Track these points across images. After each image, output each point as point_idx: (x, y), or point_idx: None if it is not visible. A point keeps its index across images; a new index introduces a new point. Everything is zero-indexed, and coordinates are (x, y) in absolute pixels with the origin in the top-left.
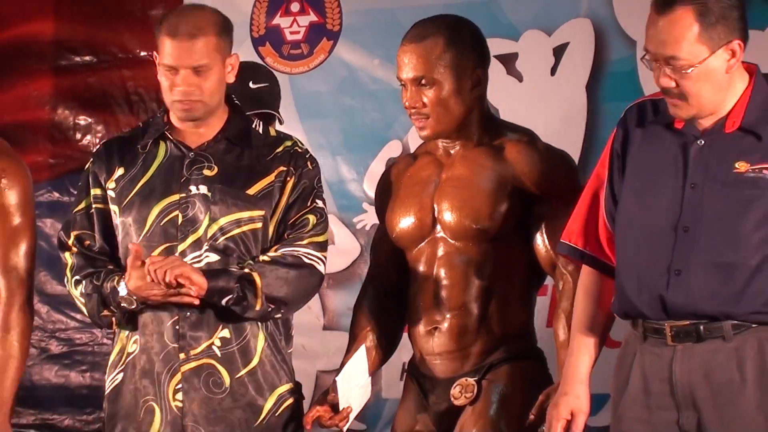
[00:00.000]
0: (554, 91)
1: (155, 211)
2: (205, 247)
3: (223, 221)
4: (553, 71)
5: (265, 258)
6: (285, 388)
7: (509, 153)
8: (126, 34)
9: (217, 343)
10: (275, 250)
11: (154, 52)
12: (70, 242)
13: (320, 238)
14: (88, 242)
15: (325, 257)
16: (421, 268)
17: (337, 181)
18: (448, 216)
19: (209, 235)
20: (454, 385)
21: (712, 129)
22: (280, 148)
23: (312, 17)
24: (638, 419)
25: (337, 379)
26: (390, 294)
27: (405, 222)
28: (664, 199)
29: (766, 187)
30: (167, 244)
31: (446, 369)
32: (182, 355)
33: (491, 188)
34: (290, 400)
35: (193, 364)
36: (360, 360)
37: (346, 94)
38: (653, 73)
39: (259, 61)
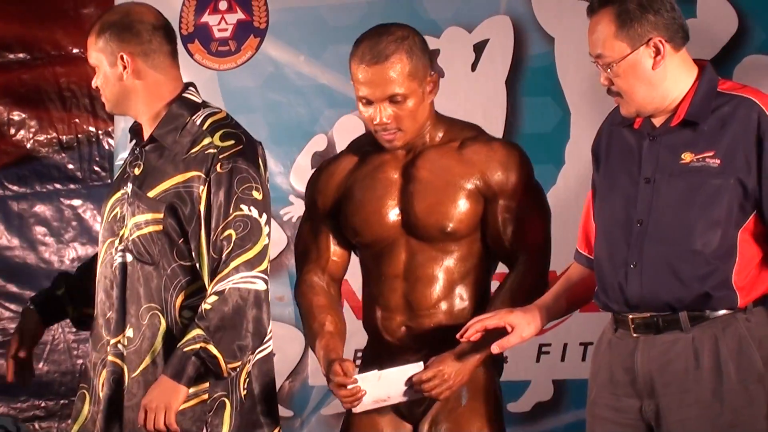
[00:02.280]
0: (475, 87)
1: (108, 206)
2: (122, 246)
3: (131, 222)
4: (473, 67)
5: (207, 307)
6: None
7: (469, 153)
8: (59, 32)
9: (123, 341)
10: (215, 289)
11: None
12: None
13: (249, 255)
14: None
15: (262, 270)
16: (386, 267)
17: None
18: (417, 219)
19: (125, 235)
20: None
21: (661, 125)
22: (197, 148)
23: (239, 15)
24: (607, 405)
25: (381, 373)
26: (331, 288)
27: (369, 223)
28: (622, 194)
29: (709, 175)
30: (111, 239)
31: (412, 358)
32: (108, 348)
33: (455, 190)
34: (190, 403)
35: (111, 358)
36: (405, 375)
37: (273, 89)
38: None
39: (189, 58)
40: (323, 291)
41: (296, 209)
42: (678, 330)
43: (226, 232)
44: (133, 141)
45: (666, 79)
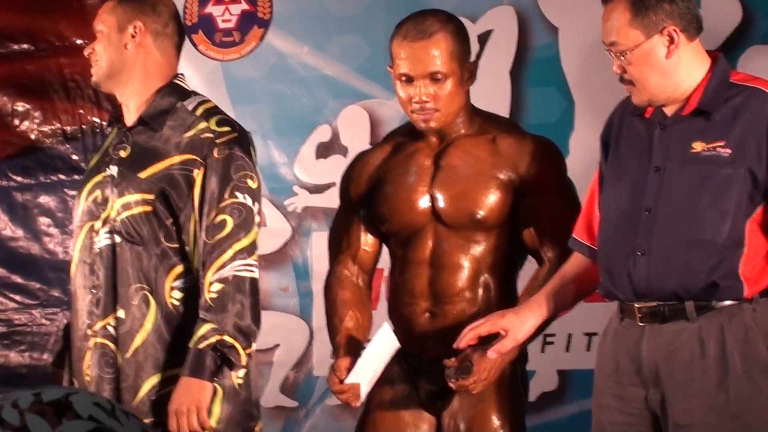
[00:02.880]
0: (479, 77)
1: (86, 190)
2: (108, 228)
3: (118, 204)
4: (477, 57)
5: (213, 296)
6: (173, 373)
7: (502, 145)
8: (63, 22)
9: (112, 322)
10: (216, 278)
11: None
12: None
13: (245, 242)
14: None
15: (255, 259)
16: (414, 254)
17: (269, 165)
18: (447, 205)
19: (111, 216)
20: (449, 366)
21: (673, 114)
22: (192, 132)
23: (243, 6)
24: (613, 394)
25: (358, 361)
26: (361, 279)
27: (399, 210)
28: (630, 183)
29: (720, 164)
30: (90, 223)
31: (438, 351)
32: (90, 332)
33: (487, 179)
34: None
35: (96, 340)
36: (384, 336)
37: (277, 80)
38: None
39: (193, 49)
40: (350, 284)
41: (300, 200)
42: (684, 319)
43: (221, 218)
44: (115, 127)
45: (679, 69)
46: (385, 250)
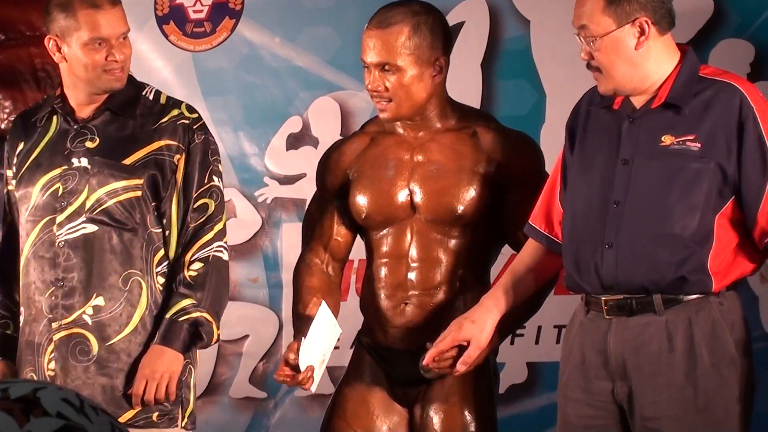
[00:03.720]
0: (450, 69)
1: (39, 185)
2: (83, 218)
3: (100, 192)
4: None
5: (193, 274)
6: None
7: (482, 140)
8: (33, 13)
9: (89, 311)
10: (196, 258)
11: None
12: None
13: (221, 225)
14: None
15: (225, 242)
16: (392, 247)
17: (239, 156)
18: (426, 200)
19: (87, 206)
20: (422, 358)
21: (642, 107)
22: (166, 118)
23: None
24: (579, 387)
25: (303, 340)
26: (330, 268)
27: (378, 203)
28: (598, 175)
29: (689, 158)
30: (48, 217)
31: (412, 342)
32: (54, 325)
33: (468, 174)
34: None
35: (63, 333)
36: (324, 317)
37: (248, 71)
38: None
39: (164, 39)
40: (319, 271)
41: (270, 191)
42: (651, 313)
43: (202, 201)
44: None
45: (648, 61)
46: (358, 241)
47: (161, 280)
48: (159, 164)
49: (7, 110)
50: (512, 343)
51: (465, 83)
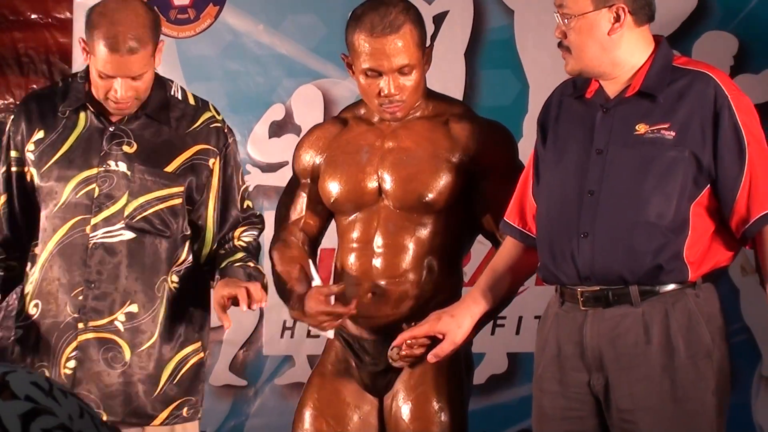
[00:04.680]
0: (434, 59)
1: (72, 183)
2: (121, 224)
3: (142, 200)
4: (433, 38)
5: (243, 244)
6: (187, 351)
7: (455, 128)
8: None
9: (122, 318)
10: (246, 234)
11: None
12: None
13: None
14: (6, 208)
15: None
16: (359, 234)
17: None
18: (394, 186)
19: (126, 213)
20: (392, 347)
21: (616, 96)
22: (199, 122)
23: None
24: (555, 379)
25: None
26: (305, 246)
27: (347, 188)
28: (572, 165)
29: (664, 147)
30: (81, 217)
31: (379, 331)
32: (80, 325)
33: (438, 162)
34: (190, 363)
35: (90, 336)
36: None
37: (231, 58)
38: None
39: None
40: (296, 246)
41: (253, 178)
42: (628, 304)
43: (246, 203)
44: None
45: (619, 48)
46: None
47: (175, 279)
48: (196, 169)
49: None
50: (492, 333)
51: (448, 73)
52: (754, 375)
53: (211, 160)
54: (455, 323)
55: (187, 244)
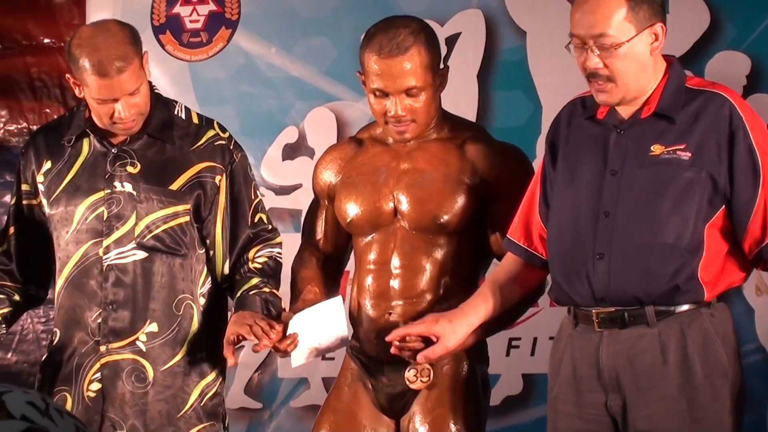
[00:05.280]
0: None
1: (81, 207)
2: (132, 244)
3: (149, 219)
4: (445, 60)
5: (258, 266)
6: (211, 377)
7: (470, 150)
8: (30, 22)
9: (143, 338)
10: (261, 254)
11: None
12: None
13: (280, 238)
14: (21, 240)
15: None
16: (376, 255)
17: None
18: (410, 208)
19: (137, 233)
20: (409, 368)
21: (630, 118)
22: (203, 140)
23: (211, 6)
24: (570, 401)
25: (299, 313)
26: (326, 265)
27: (362, 209)
28: (585, 186)
29: (680, 167)
30: (94, 240)
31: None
32: (102, 348)
33: (453, 184)
34: (214, 389)
35: (114, 357)
36: (334, 307)
37: (244, 81)
38: (578, 60)
39: (160, 49)
40: (312, 265)
41: (267, 201)
42: (644, 324)
43: (258, 216)
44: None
45: (653, 67)
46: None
47: (203, 300)
48: (202, 186)
49: (3, 119)
50: (507, 354)
51: (461, 94)
52: None
53: (218, 177)
54: (451, 328)
55: (205, 264)
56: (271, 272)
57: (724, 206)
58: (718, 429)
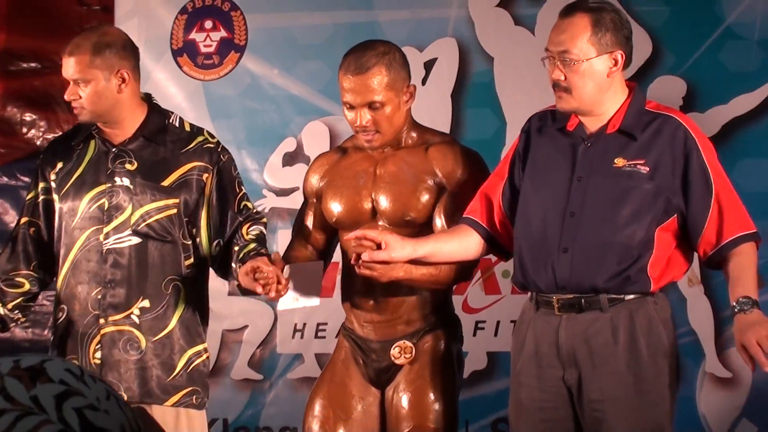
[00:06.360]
0: (425, 99)
1: (86, 198)
2: (129, 231)
3: (143, 210)
4: (423, 82)
5: (252, 237)
6: (196, 349)
7: (431, 152)
8: (67, 45)
9: (136, 312)
10: (253, 228)
11: None
12: (20, 222)
13: (265, 222)
14: (33, 229)
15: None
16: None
17: (242, 171)
18: (384, 206)
19: (132, 221)
20: (394, 346)
21: (596, 132)
22: (193, 144)
23: (222, 33)
24: (532, 375)
25: (287, 266)
26: (313, 252)
27: (345, 208)
28: (555, 189)
29: (639, 179)
30: (95, 227)
31: (383, 333)
32: (102, 321)
33: (418, 184)
34: (200, 359)
35: (111, 329)
36: (313, 269)
37: (250, 98)
38: (549, 71)
39: (178, 70)
40: (301, 247)
41: (268, 201)
42: (598, 310)
43: (243, 204)
44: (90, 144)
45: (610, 89)
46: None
47: (188, 281)
48: (189, 184)
49: (42, 128)
50: (474, 335)
51: (437, 111)
52: (699, 371)
53: (205, 175)
54: (399, 244)
55: (192, 251)
56: (263, 241)
57: (675, 215)
58: (658, 400)
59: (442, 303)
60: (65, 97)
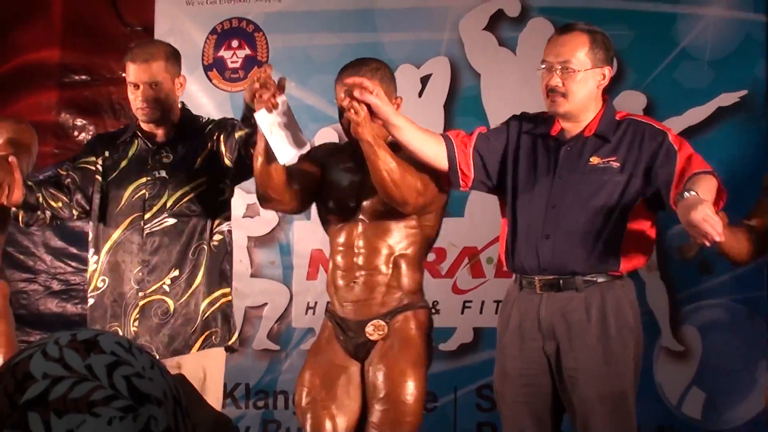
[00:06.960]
0: (421, 110)
1: (129, 189)
2: (166, 214)
3: (178, 193)
4: (420, 94)
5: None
6: (215, 294)
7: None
8: (112, 60)
9: (168, 282)
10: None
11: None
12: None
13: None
14: (69, 180)
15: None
16: (345, 239)
17: None
18: (366, 203)
19: (168, 205)
20: (368, 324)
21: (576, 136)
22: (206, 129)
23: (247, 51)
24: (515, 347)
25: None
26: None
27: (335, 206)
28: (540, 187)
29: (611, 173)
30: (137, 214)
31: (360, 313)
32: (141, 294)
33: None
34: (220, 302)
35: (147, 300)
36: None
37: None
38: (544, 79)
39: (208, 83)
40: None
41: None
42: (574, 290)
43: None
44: (133, 142)
45: (595, 98)
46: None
47: (218, 237)
48: (213, 154)
49: (92, 132)
50: (462, 312)
51: (431, 120)
52: (655, 345)
53: (215, 134)
54: (388, 108)
55: (217, 219)
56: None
57: (640, 198)
58: (624, 370)
59: (414, 290)
60: (136, 100)
